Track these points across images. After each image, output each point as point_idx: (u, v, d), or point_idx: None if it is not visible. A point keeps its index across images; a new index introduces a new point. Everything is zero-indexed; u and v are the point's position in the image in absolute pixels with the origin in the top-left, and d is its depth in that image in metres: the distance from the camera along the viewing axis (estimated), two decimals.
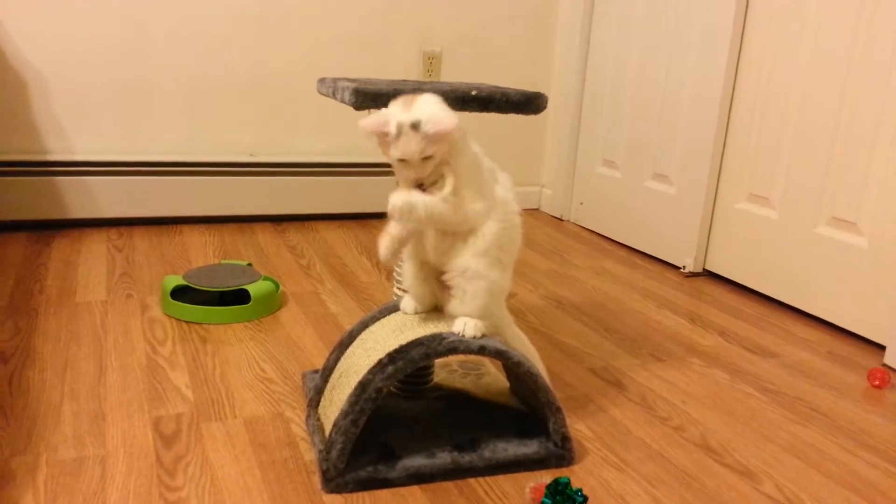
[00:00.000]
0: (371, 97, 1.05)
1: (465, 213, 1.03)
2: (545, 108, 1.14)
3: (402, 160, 0.99)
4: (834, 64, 1.74)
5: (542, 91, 1.15)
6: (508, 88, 1.16)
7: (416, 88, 1.08)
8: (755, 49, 1.95)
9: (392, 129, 0.97)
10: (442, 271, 1.08)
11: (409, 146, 0.97)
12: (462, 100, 1.08)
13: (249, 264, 1.80)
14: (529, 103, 1.12)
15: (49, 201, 2.15)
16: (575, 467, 1.13)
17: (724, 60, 2.00)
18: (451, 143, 1.00)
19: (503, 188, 1.08)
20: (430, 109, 0.98)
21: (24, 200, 2.13)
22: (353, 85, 1.06)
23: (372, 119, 0.98)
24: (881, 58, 1.64)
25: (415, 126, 0.96)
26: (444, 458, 1.08)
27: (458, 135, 1.00)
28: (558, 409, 1.12)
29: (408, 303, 1.15)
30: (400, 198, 0.99)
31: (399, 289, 1.24)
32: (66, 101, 2.20)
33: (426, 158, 0.98)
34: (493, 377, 1.35)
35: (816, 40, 1.78)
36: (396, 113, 0.98)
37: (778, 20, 1.88)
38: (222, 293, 1.65)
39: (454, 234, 1.05)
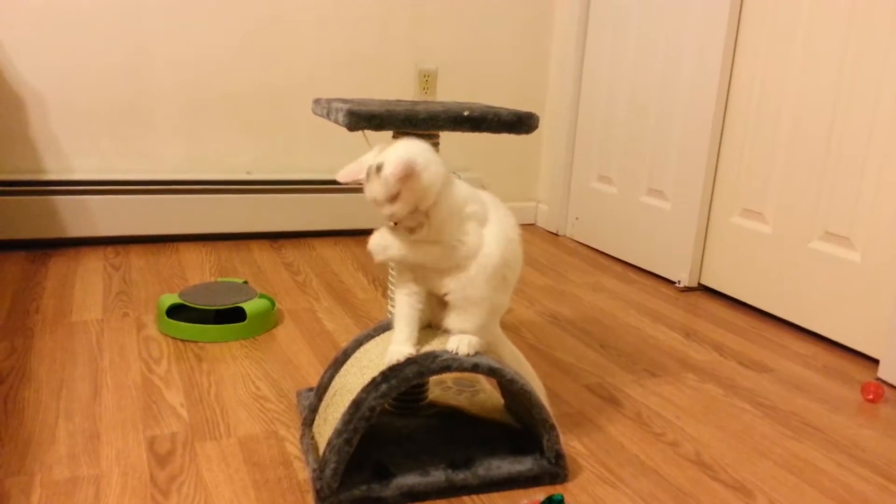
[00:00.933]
0: (364, 118, 1.06)
1: (447, 256, 1.04)
2: (537, 127, 1.15)
3: (373, 202, 1.01)
4: (825, 79, 1.76)
5: (537, 107, 1.17)
6: (500, 108, 1.17)
7: (409, 109, 1.09)
8: (747, 66, 1.97)
9: (362, 175, 1.01)
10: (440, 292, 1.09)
11: (374, 188, 1.00)
12: (455, 120, 1.10)
13: (245, 282, 1.81)
14: (521, 123, 1.13)
15: (46, 220, 2.16)
16: (569, 484, 1.13)
17: (717, 77, 2.02)
18: (427, 187, 0.99)
19: (499, 225, 1.07)
20: (397, 153, 0.98)
21: (21, 219, 2.13)
22: (346, 106, 1.07)
23: (347, 169, 1.03)
24: (872, 73, 1.65)
25: (379, 168, 0.99)
26: (438, 476, 1.08)
27: (432, 179, 0.99)
28: (552, 427, 1.12)
29: (400, 350, 1.07)
30: (375, 237, 1.05)
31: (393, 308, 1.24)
32: (64, 120, 2.21)
33: (394, 200, 0.98)
34: (488, 394, 1.35)
35: (808, 56, 1.80)
36: (370, 157, 1.02)
37: (769, 37, 1.90)
38: (218, 311, 1.65)
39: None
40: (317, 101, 1.22)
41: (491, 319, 1.10)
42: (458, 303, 1.07)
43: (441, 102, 1.26)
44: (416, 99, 2.54)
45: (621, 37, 2.39)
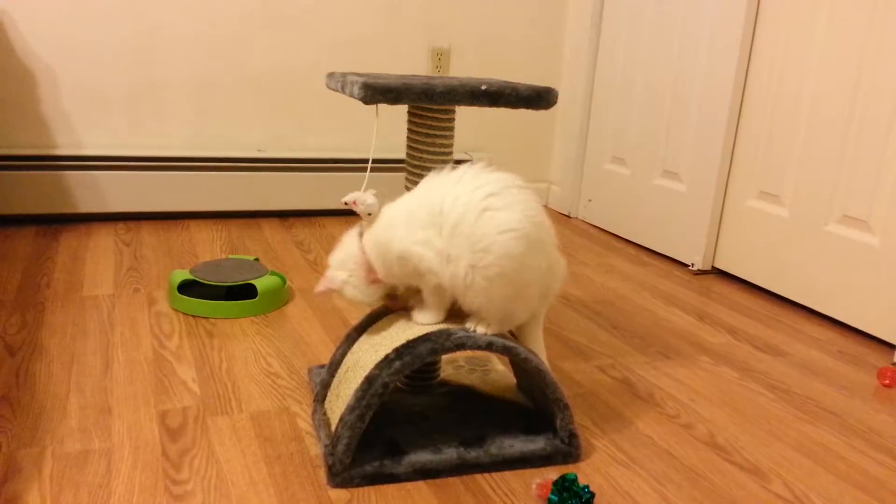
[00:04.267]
0: (380, 91, 1.04)
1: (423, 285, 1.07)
2: (555, 103, 1.13)
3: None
4: (845, 62, 1.73)
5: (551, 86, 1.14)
6: (518, 83, 1.15)
7: (426, 83, 1.07)
8: (766, 46, 1.94)
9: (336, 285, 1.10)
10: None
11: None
12: (472, 94, 1.08)
13: (256, 259, 1.80)
14: (540, 98, 1.11)
15: (57, 195, 2.16)
16: (582, 464, 1.12)
17: (735, 58, 1.98)
18: (363, 258, 1.08)
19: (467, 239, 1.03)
20: (332, 259, 1.12)
21: (32, 194, 2.13)
22: (361, 79, 1.06)
23: (321, 284, 1.11)
24: (894, 56, 1.62)
25: None
26: (450, 453, 1.08)
27: (363, 252, 1.08)
28: (566, 406, 1.11)
29: (424, 315, 1.10)
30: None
31: None
32: (75, 96, 2.20)
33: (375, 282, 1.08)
34: (500, 373, 1.34)
35: (828, 37, 1.77)
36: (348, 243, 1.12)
37: (789, 17, 1.87)
38: (229, 288, 1.65)
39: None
40: (331, 75, 1.20)
41: (508, 314, 1.07)
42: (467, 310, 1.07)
43: (458, 78, 1.24)
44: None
45: (638, 16, 2.35)
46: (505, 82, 1.16)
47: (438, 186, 1.04)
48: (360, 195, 1.08)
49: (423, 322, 1.08)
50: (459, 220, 1.00)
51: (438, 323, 1.08)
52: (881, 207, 1.66)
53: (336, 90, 1.17)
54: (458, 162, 1.09)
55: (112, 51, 2.20)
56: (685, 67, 2.17)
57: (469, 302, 1.04)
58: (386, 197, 1.09)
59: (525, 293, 1.06)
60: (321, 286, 1.10)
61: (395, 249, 1.04)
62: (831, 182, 1.77)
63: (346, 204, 1.08)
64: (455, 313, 1.09)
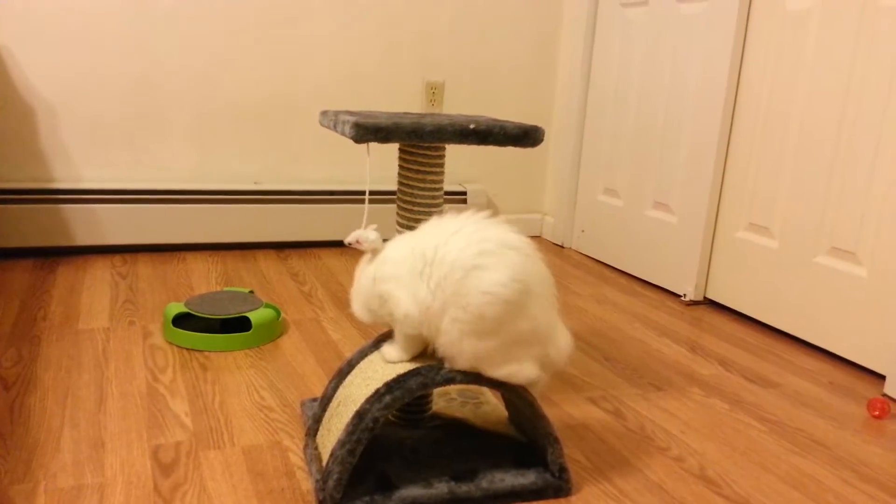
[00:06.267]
0: (371, 131, 1.07)
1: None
2: (542, 141, 1.15)
3: None
4: (832, 95, 1.76)
5: (544, 120, 1.17)
6: (506, 122, 1.18)
7: (415, 122, 1.10)
8: (754, 81, 1.97)
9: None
10: None
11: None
12: (461, 133, 1.10)
13: (251, 291, 1.82)
14: (527, 137, 1.14)
15: (55, 229, 2.17)
16: (573, 498, 1.12)
17: (724, 90, 2.02)
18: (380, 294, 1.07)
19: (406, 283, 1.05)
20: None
21: (30, 227, 2.15)
22: (353, 119, 1.08)
23: (351, 236, 1.09)
24: (878, 88, 1.65)
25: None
26: (441, 488, 1.08)
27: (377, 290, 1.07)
28: (556, 440, 1.12)
29: (393, 351, 1.11)
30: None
31: None
32: (74, 130, 2.23)
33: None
34: (492, 406, 1.35)
35: (815, 71, 1.81)
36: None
37: (776, 53, 1.91)
38: (224, 320, 1.66)
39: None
40: (324, 114, 1.23)
41: (477, 369, 1.05)
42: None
43: (447, 115, 1.26)
44: (423, 111, 2.56)
45: (628, 51, 2.40)
46: (493, 120, 1.19)
47: (436, 235, 1.03)
48: (363, 233, 1.07)
49: (390, 359, 1.10)
50: (448, 274, 0.99)
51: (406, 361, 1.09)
52: (868, 239, 1.68)
53: (328, 128, 1.20)
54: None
55: (111, 85, 2.24)
56: (675, 101, 2.21)
57: (441, 348, 1.04)
58: (385, 229, 1.10)
59: (500, 354, 1.03)
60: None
61: (380, 288, 1.05)
62: (819, 214, 1.80)
63: (349, 245, 1.08)
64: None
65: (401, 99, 2.56)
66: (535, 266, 1.02)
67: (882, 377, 1.64)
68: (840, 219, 1.75)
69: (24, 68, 2.15)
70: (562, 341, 1.08)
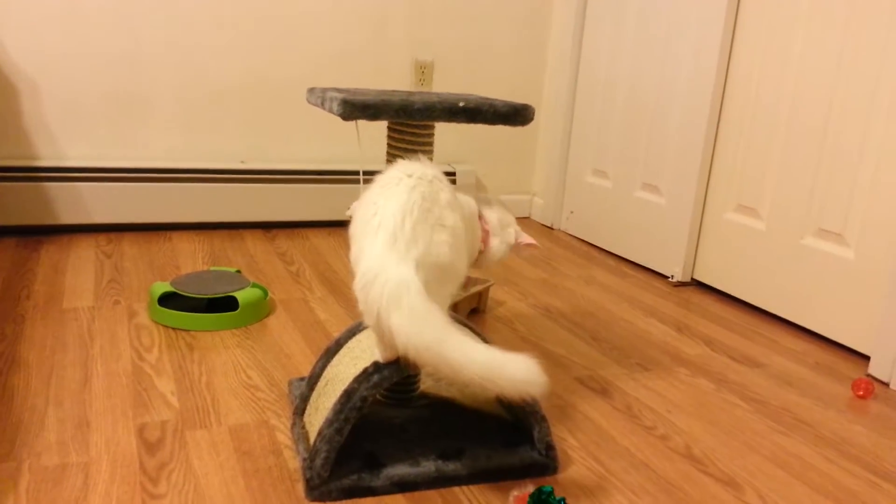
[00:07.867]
0: (359, 108, 1.05)
1: None
2: (532, 119, 1.14)
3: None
4: (822, 77, 1.76)
5: (534, 100, 1.16)
6: (496, 100, 1.17)
7: (404, 100, 1.08)
8: (744, 62, 1.97)
9: None
10: None
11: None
12: (450, 111, 1.09)
13: (238, 271, 1.80)
14: (517, 115, 1.13)
15: (39, 207, 2.15)
16: (559, 476, 1.13)
17: (714, 73, 2.01)
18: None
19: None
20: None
21: (13, 206, 2.12)
22: (341, 96, 1.07)
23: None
24: (869, 70, 1.65)
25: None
26: (428, 466, 1.08)
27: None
28: (543, 418, 1.12)
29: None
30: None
31: None
32: (58, 107, 2.20)
33: None
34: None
35: (804, 53, 1.80)
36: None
37: (766, 34, 1.90)
38: (210, 300, 1.65)
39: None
40: (311, 91, 1.21)
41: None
42: None
43: (437, 93, 1.25)
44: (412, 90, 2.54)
45: (619, 31, 2.39)
46: (483, 99, 1.18)
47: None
48: None
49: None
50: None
51: None
52: (855, 221, 1.69)
53: (316, 105, 1.18)
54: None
55: (95, 62, 2.20)
56: (665, 83, 2.20)
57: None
58: None
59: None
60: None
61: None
62: (807, 196, 1.80)
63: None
64: None
65: (390, 78, 2.54)
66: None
67: (866, 358, 1.66)
68: (827, 200, 1.75)
69: (6, 45, 2.11)
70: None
